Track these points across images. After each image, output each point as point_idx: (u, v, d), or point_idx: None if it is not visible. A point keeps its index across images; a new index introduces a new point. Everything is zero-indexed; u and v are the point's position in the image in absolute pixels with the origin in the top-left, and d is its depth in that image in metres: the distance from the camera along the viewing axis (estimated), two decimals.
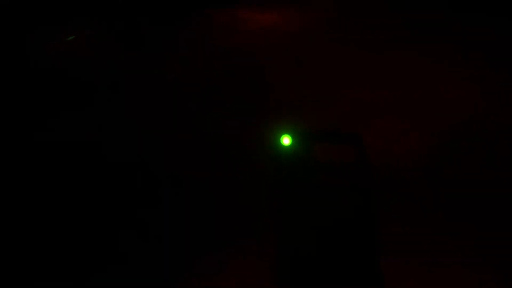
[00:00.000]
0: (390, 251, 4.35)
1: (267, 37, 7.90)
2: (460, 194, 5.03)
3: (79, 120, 6.20)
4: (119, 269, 4.44)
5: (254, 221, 4.78)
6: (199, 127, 6.06)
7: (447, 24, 8.12)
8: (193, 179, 5.25)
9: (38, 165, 5.47)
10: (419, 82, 6.80)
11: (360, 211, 3.96)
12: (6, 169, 5.42)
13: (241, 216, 4.86)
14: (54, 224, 4.85)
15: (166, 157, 5.60)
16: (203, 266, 4.42)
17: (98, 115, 6.28)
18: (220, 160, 5.55)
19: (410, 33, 7.92)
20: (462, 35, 7.77)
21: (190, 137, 5.91)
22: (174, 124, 6.13)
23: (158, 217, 4.90)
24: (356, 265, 4.05)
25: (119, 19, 8.05)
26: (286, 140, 4.17)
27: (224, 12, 8.64)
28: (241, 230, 4.72)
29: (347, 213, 3.97)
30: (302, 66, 7.21)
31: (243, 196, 5.06)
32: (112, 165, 5.49)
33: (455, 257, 4.46)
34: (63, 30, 7.86)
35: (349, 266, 4.05)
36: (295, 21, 8.33)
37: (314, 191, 3.96)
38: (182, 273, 4.37)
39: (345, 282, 4.04)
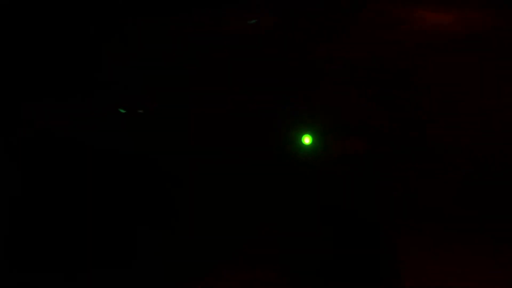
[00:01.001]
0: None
1: (421, 38, 6.49)
2: None
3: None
4: (119, 269, 4.28)
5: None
6: None
7: None
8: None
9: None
10: None
11: (370, 203, 4.15)
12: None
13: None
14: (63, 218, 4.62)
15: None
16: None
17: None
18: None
19: None
20: None
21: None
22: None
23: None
24: (364, 261, 4.08)
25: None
26: (306, 140, 4.55)
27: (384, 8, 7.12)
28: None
29: (358, 204, 4.17)
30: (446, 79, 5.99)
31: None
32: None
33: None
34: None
35: (358, 262, 4.08)
36: (468, 24, 6.71)
37: (328, 181, 4.25)
38: (187, 272, 4.23)
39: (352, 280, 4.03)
